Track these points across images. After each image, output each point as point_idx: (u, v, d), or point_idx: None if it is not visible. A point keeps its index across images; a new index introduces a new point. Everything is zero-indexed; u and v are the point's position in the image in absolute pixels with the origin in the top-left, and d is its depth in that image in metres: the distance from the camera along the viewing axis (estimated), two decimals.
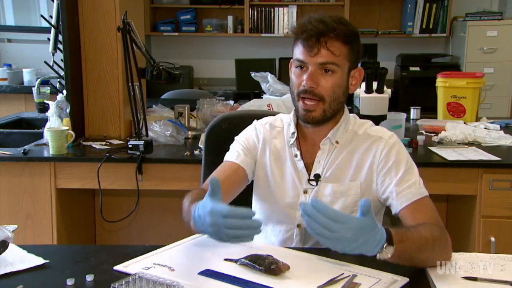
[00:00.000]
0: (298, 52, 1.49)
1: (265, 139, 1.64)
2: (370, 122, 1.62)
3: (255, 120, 1.70)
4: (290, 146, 1.60)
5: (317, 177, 1.56)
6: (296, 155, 1.58)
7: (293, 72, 1.52)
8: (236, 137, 1.68)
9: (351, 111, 1.67)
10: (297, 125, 1.60)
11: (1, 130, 3.06)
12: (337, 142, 1.56)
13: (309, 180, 1.56)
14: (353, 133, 1.58)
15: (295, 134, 1.59)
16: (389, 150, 1.52)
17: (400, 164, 1.50)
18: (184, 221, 1.46)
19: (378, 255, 1.24)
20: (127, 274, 1.27)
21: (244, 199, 1.64)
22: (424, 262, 1.32)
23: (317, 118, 1.50)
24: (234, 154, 1.62)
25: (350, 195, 1.54)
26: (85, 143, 2.69)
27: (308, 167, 1.58)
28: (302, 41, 1.47)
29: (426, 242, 1.31)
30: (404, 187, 1.47)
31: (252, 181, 1.66)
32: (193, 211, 1.30)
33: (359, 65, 1.59)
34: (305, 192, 1.57)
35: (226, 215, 1.19)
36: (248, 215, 1.21)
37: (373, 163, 1.53)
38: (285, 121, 1.65)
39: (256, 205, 1.68)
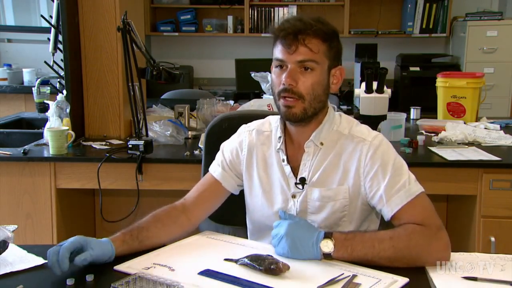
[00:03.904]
0: (277, 51, 1.48)
1: (251, 147, 1.62)
2: (355, 121, 1.59)
3: (243, 126, 1.68)
4: (278, 151, 1.58)
5: (303, 181, 1.54)
6: (283, 160, 1.57)
7: (273, 72, 1.51)
8: (222, 144, 1.69)
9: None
10: (285, 129, 1.59)
11: (1, 130, 3.06)
12: (321, 144, 1.53)
13: (296, 183, 1.55)
14: (338, 133, 1.55)
15: (282, 138, 1.57)
16: (374, 153, 1.49)
17: (386, 167, 1.47)
18: None
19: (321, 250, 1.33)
20: (127, 274, 1.27)
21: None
22: (394, 260, 1.33)
23: (298, 114, 1.47)
24: (215, 167, 1.66)
25: (339, 200, 1.52)
26: (85, 143, 2.69)
27: (295, 171, 1.56)
28: (281, 40, 1.47)
29: (381, 240, 1.34)
30: (393, 192, 1.45)
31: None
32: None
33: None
34: (293, 196, 1.55)
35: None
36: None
37: (359, 167, 1.50)
38: (274, 125, 1.63)
39: (249, 214, 1.68)
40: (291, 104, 1.47)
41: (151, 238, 1.46)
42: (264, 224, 1.60)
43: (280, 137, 1.58)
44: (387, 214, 1.47)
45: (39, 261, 1.37)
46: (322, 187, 1.53)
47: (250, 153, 1.62)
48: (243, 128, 1.67)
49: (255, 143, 1.62)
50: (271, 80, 1.53)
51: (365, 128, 1.57)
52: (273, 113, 1.74)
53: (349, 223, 1.54)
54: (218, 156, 1.67)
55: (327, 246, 1.34)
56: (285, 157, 1.56)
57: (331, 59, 1.49)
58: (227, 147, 1.67)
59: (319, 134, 1.53)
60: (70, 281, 1.25)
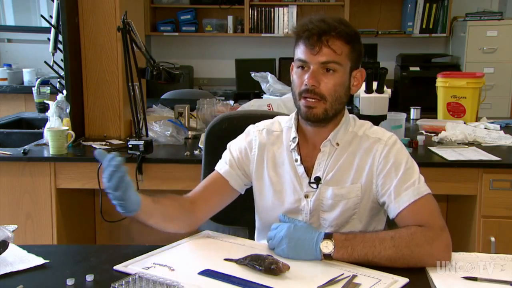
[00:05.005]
0: (300, 51, 1.47)
1: (261, 147, 1.61)
2: (369, 123, 1.61)
3: (251, 126, 1.67)
4: (291, 151, 1.58)
5: (318, 180, 1.54)
6: (296, 160, 1.56)
7: (295, 72, 1.51)
8: (229, 144, 1.67)
9: (351, 111, 1.67)
10: (298, 129, 1.58)
11: (1, 130, 3.06)
12: (337, 144, 1.54)
13: (309, 182, 1.54)
14: (353, 134, 1.56)
15: (296, 139, 1.57)
16: (388, 152, 1.51)
17: (399, 166, 1.49)
18: None
19: (322, 251, 1.35)
20: (127, 274, 1.27)
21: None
22: (394, 260, 1.33)
23: (319, 115, 1.48)
24: (222, 164, 1.63)
25: (351, 198, 1.53)
26: (85, 143, 2.69)
27: (309, 171, 1.56)
28: (304, 40, 1.46)
29: (382, 240, 1.35)
30: (402, 189, 1.46)
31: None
32: None
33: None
34: (306, 196, 1.55)
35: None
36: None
37: (373, 165, 1.51)
38: (284, 125, 1.62)
39: (258, 213, 1.67)
40: (313, 105, 1.47)
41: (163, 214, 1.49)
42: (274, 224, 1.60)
43: (294, 137, 1.57)
44: (394, 211, 1.47)
45: (39, 261, 1.37)
46: (336, 185, 1.53)
47: (261, 153, 1.61)
48: (252, 128, 1.66)
49: (265, 143, 1.61)
50: (292, 80, 1.52)
51: (379, 129, 1.59)
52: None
53: (359, 221, 1.55)
54: (225, 154, 1.65)
55: (327, 247, 1.35)
56: (298, 158, 1.56)
57: (353, 61, 1.50)
58: (235, 146, 1.65)
59: (336, 134, 1.54)
60: (70, 281, 1.25)
